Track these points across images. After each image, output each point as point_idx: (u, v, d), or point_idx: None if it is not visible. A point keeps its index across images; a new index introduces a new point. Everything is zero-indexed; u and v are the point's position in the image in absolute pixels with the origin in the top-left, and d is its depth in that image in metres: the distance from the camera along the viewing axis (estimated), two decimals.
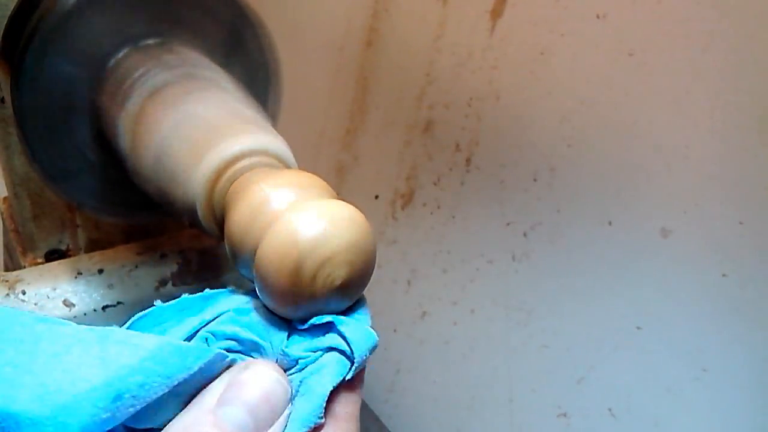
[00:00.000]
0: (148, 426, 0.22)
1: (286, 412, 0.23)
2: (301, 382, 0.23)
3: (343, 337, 0.23)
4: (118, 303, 0.49)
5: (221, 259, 0.53)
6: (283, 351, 0.24)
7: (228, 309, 0.24)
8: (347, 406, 0.24)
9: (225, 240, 0.26)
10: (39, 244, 0.50)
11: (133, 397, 0.21)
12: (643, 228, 0.42)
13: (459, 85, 0.54)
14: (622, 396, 0.45)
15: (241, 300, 0.25)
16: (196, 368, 0.22)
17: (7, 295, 0.46)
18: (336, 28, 0.68)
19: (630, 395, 0.45)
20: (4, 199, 0.55)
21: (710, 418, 0.41)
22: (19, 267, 0.51)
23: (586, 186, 0.45)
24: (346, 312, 0.24)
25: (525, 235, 0.50)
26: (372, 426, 0.49)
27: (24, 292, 0.46)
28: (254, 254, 0.23)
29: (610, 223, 0.44)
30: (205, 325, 0.24)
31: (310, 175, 0.26)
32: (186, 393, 0.22)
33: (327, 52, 0.70)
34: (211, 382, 0.22)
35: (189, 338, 0.24)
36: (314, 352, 0.23)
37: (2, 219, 0.56)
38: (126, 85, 0.33)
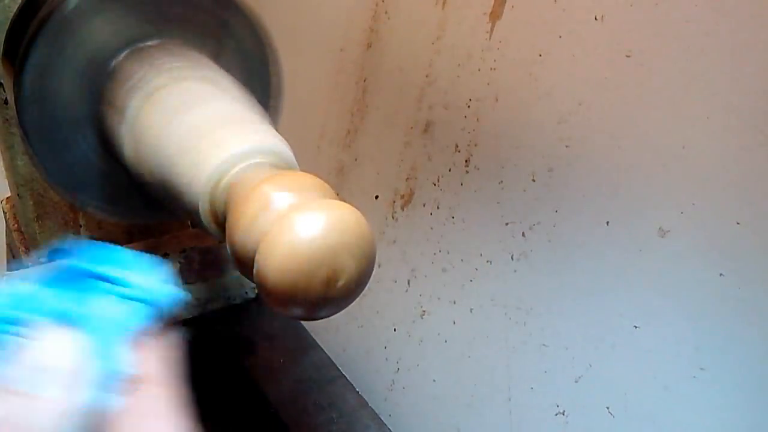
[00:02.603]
0: None
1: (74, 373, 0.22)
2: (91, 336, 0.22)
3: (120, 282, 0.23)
4: None
5: (222, 259, 0.53)
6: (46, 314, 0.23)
7: None
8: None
9: (226, 241, 0.26)
10: (42, 244, 0.50)
11: None
12: (641, 228, 0.42)
13: (458, 87, 0.54)
14: (619, 394, 0.45)
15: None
16: None
17: None
18: (336, 29, 0.69)
19: (627, 394, 0.45)
20: (8, 199, 0.55)
21: (707, 417, 0.41)
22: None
23: (584, 186, 0.46)
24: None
25: (523, 234, 0.50)
26: (372, 424, 0.49)
27: None
28: (255, 255, 0.23)
29: (607, 223, 0.44)
30: None
31: (310, 176, 0.26)
32: None
33: (328, 54, 0.70)
34: None
35: None
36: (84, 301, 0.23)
37: (5, 219, 0.56)
38: (124, 91, 0.33)
